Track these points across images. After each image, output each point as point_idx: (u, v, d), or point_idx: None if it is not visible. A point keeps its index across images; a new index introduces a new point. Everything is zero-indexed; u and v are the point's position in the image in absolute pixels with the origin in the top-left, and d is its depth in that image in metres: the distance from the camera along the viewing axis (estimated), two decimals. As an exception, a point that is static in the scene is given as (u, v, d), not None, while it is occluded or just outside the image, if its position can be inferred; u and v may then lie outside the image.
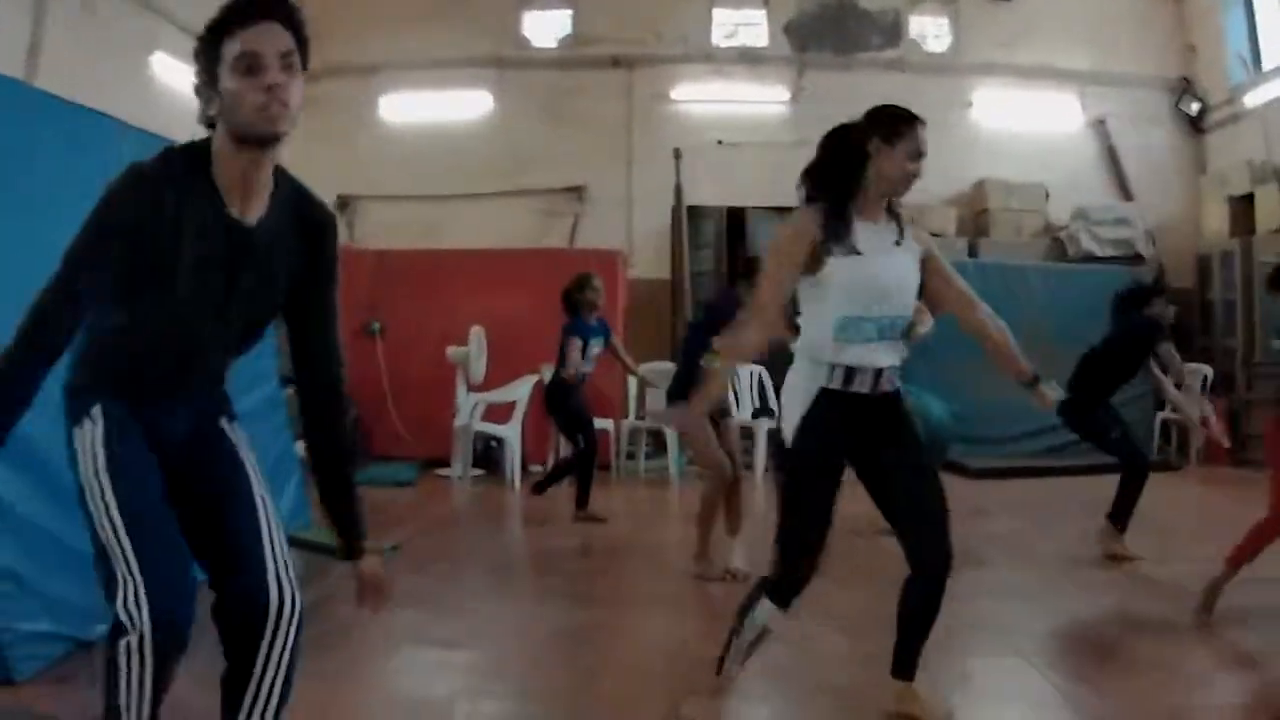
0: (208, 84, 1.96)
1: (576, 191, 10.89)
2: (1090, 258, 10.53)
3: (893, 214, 2.97)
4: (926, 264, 2.98)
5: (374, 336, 9.50)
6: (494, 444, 8.89)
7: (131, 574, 1.82)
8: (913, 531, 2.91)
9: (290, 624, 1.99)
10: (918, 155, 2.96)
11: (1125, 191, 11.43)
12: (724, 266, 10.33)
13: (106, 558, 1.86)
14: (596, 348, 6.79)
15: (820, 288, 2.85)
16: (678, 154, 10.24)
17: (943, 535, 2.87)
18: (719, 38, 11.47)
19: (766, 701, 3.31)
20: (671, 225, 10.38)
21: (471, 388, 8.63)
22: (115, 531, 1.86)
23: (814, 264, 2.85)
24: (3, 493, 3.28)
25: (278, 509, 2.22)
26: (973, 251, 10.60)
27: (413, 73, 11.25)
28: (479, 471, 8.82)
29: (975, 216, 11.02)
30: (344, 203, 10.97)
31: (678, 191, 10.18)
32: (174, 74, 9.49)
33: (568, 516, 6.78)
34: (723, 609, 3.42)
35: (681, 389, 4.96)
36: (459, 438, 8.54)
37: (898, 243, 2.92)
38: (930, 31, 11.68)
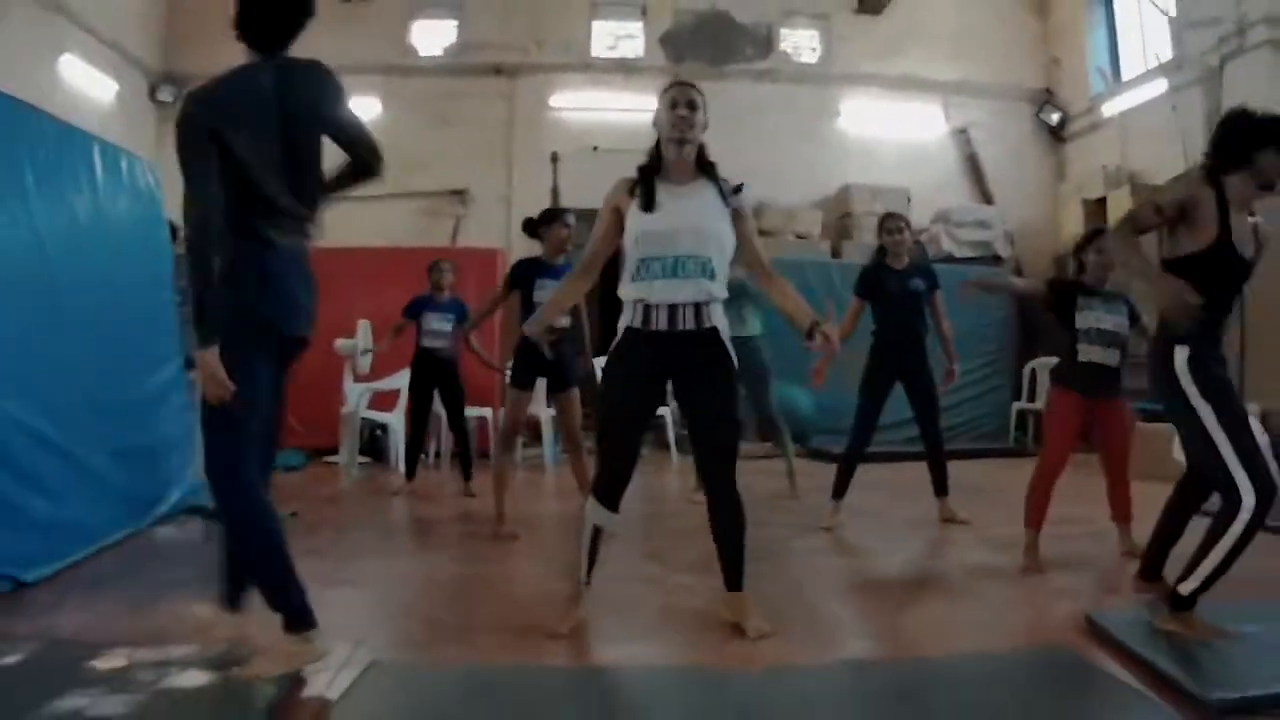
0: None
1: (459, 194, 11.30)
2: (950, 258, 11.05)
3: (709, 176, 3.45)
4: (735, 222, 3.43)
5: None
6: (379, 433, 9.26)
7: None
8: (705, 466, 3.50)
9: None
10: (673, 105, 3.39)
11: (986, 196, 12.03)
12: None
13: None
14: (441, 324, 7.40)
15: (627, 242, 3.38)
16: (555, 158, 10.69)
17: (728, 472, 3.41)
18: (599, 48, 11.95)
19: (624, 622, 3.68)
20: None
21: (358, 378, 9.00)
22: None
23: (621, 223, 3.40)
24: None
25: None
26: (835, 253, 11.07)
27: None
28: (365, 459, 9.19)
29: (840, 220, 11.50)
30: None
31: (554, 193, 10.61)
32: (81, 75, 9.87)
33: (449, 495, 7.21)
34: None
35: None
36: (345, 424, 8.88)
37: (723, 200, 3.41)
38: (802, 44, 12.19)
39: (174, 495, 5.72)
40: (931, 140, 12.16)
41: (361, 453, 9.12)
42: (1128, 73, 11.47)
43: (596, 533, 3.50)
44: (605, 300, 9.59)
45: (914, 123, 12.13)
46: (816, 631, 3.54)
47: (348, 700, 2.60)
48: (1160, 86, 10.52)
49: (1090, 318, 4.73)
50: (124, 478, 5.16)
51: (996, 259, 11.41)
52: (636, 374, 3.38)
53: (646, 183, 3.38)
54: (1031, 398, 10.74)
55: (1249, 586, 3.51)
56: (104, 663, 2.71)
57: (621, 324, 3.45)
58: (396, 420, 8.81)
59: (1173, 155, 9.90)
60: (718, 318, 3.41)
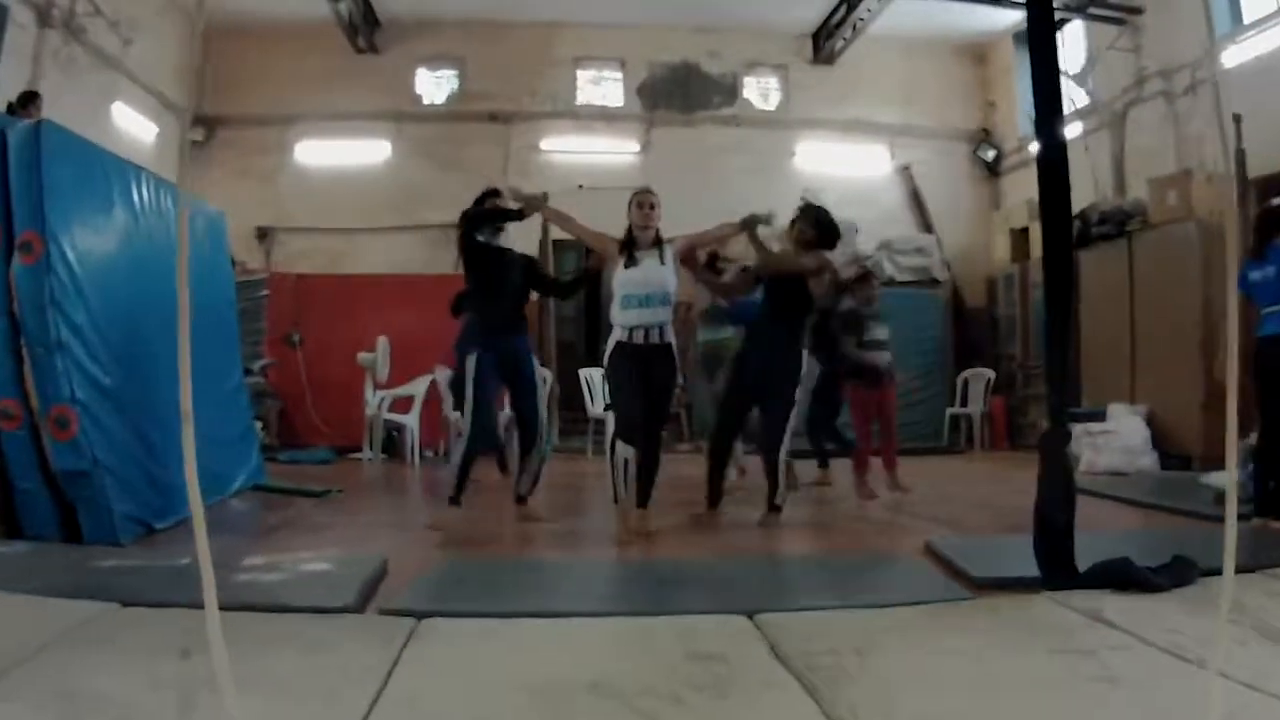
0: None
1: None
2: (891, 282, 12.40)
3: (660, 245, 5.51)
4: (679, 256, 5.57)
5: (294, 347, 11.35)
6: (395, 433, 10.67)
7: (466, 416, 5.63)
8: (648, 426, 5.42)
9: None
10: (639, 206, 5.54)
11: (927, 226, 13.51)
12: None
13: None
14: None
15: (615, 283, 5.43)
16: (545, 197, 12.07)
17: (656, 440, 5.49)
18: (583, 98, 13.38)
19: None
20: (539, 255, 12.17)
21: (378, 386, 10.44)
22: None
23: (613, 265, 5.47)
24: (99, 413, 5.05)
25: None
26: None
27: (324, 123, 12.96)
28: (384, 456, 10.60)
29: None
30: (263, 233, 12.76)
31: (544, 228, 11.96)
32: (129, 120, 11.27)
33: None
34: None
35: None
36: (369, 426, 10.32)
37: (660, 260, 5.46)
38: (763, 91, 13.66)
39: (241, 476, 7.13)
40: (878, 177, 13.63)
41: (381, 451, 10.54)
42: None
43: (628, 463, 5.27)
44: (590, 317, 11.09)
45: (862, 162, 13.58)
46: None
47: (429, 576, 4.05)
48: (1077, 129, 12.03)
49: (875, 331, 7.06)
50: (211, 460, 6.57)
51: (934, 282, 12.88)
52: (628, 366, 5.38)
53: (630, 249, 5.46)
54: (964, 403, 12.23)
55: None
56: (251, 560, 4.16)
57: (613, 340, 5.46)
58: (412, 421, 10.25)
59: (1085, 188, 11.36)
60: (669, 335, 5.45)
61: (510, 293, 5.90)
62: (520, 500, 5.95)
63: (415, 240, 12.67)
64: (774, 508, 5.70)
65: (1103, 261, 10.42)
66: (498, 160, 12.85)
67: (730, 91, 13.51)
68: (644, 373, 5.33)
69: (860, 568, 4.49)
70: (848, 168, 13.50)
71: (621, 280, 5.42)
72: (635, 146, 13.24)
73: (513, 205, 5.94)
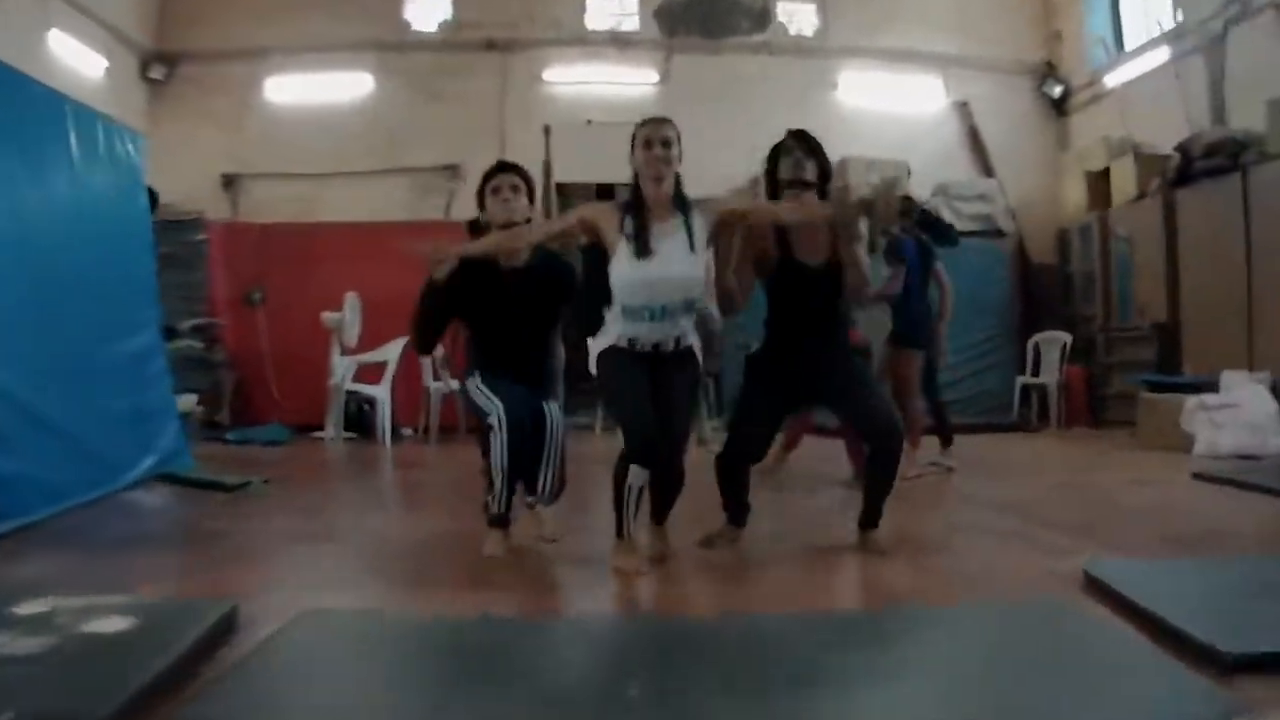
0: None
1: (452, 169, 11.17)
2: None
3: (682, 209, 3.50)
4: (717, 228, 3.54)
5: (255, 306, 9.92)
6: (366, 407, 9.16)
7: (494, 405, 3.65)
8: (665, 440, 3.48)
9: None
10: (647, 144, 3.45)
11: (987, 169, 11.86)
12: (589, 236, 10.67)
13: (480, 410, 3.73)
14: None
15: (615, 284, 3.47)
16: (547, 131, 10.56)
17: (679, 451, 3.57)
18: (592, 22, 11.82)
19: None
20: (542, 197, 10.67)
21: (345, 351, 8.92)
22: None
23: (610, 247, 3.51)
24: None
25: None
26: None
27: (298, 56, 11.51)
28: (352, 435, 9.09)
29: (836, 192, 11.24)
30: (229, 181, 11.34)
31: (546, 168, 10.47)
32: (69, 51, 9.76)
33: (434, 465, 7.16)
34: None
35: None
36: (332, 397, 8.78)
37: (689, 242, 3.44)
38: (799, 16, 12.05)
39: (149, 461, 5.62)
40: (931, 114, 12.00)
41: (347, 427, 9.03)
42: (1130, 43, 11.28)
43: (641, 489, 3.46)
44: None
45: (913, 96, 11.97)
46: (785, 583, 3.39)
47: (271, 644, 2.45)
48: (1162, 55, 10.33)
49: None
50: (100, 439, 5.08)
51: (999, 233, 11.26)
52: (630, 370, 3.48)
53: (639, 223, 3.43)
54: (1035, 371, 10.60)
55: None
56: (26, 609, 2.58)
57: (604, 340, 3.55)
58: (383, 393, 8.72)
59: (1176, 123, 9.74)
60: (691, 337, 3.56)
61: (530, 327, 3.96)
62: (532, 505, 4.03)
63: (399, 185, 11.21)
64: (872, 521, 3.81)
65: (1209, 201, 8.77)
66: (494, 94, 11.43)
67: (761, 15, 11.87)
68: (655, 375, 3.50)
69: (1004, 637, 2.55)
70: (896, 103, 11.88)
71: (625, 280, 3.43)
72: (653, 77, 11.67)
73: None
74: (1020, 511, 4.67)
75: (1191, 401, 7.50)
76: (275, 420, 9.35)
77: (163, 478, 5.56)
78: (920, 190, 11.24)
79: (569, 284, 3.99)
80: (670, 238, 3.41)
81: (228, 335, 9.83)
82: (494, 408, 3.64)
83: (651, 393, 3.43)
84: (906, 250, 6.05)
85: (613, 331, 3.50)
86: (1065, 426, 10.17)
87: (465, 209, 11.09)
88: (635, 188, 3.48)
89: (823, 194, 3.75)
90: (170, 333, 7.55)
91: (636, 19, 11.83)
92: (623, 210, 3.47)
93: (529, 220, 3.94)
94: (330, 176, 11.18)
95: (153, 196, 6.71)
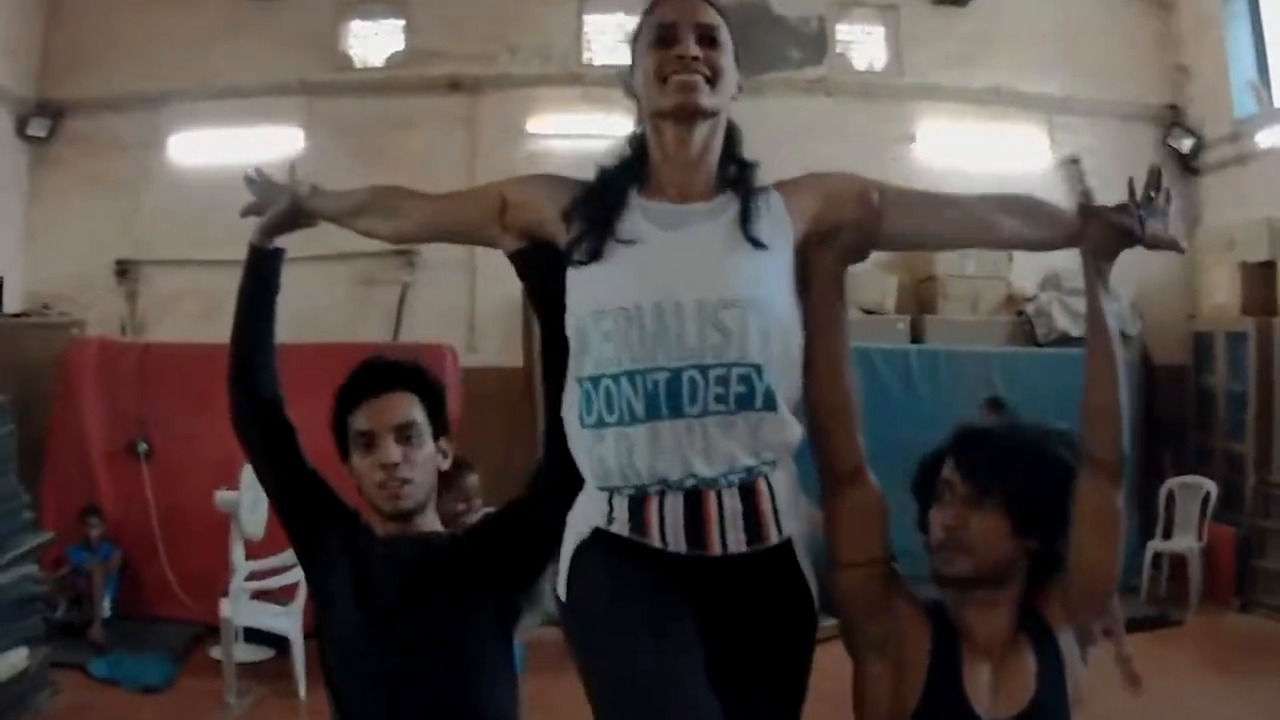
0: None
1: (405, 254, 8.74)
2: (1065, 339, 8.41)
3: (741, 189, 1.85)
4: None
5: (141, 460, 7.49)
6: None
7: None
8: None
9: None
10: (663, 38, 1.80)
11: None
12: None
13: None
14: None
15: (575, 320, 1.78)
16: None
17: None
18: (591, 54, 9.57)
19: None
20: (523, 296, 8.11)
21: (248, 549, 6.29)
22: None
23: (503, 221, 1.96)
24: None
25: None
26: (916, 334, 8.56)
27: (208, 103, 9.26)
28: (266, 654, 6.42)
29: (919, 286, 8.96)
30: (123, 269, 9.09)
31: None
32: None
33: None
34: None
35: None
36: (223, 634, 6.06)
37: (745, 227, 1.77)
38: (860, 46, 9.86)
39: None
40: (1032, 173, 9.51)
41: (260, 640, 6.39)
42: (1281, 93, 8.89)
43: None
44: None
45: (1008, 150, 9.61)
46: None
47: None
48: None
49: None
50: None
51: (1122, 336, 8.73)
52: (633, 591, 1.82)
53: (608, 197, 1.82)
54: (1169, 532, 8.10)
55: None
56: None
57: (579, 522, 1.81)
58: (293, 624, 5.98)
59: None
60: (786, 500, 1.75)
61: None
62: None
63: (334, 276, 8.76)
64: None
65: None
66: (460, 148, 9.05)
67: (816, 44, 9.55)
68: (704, 617, 1.67)
69: None
70: (988, 159, 9.46)
71: (587, 295, 1.74)
72: None
73: None
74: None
75: None
76: (174, 618, 7.05)
77: None
78: (1023, 284, 8.98)
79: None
80: (705, 217, 1.80)
81: (105, 499, 7.32)
82: None
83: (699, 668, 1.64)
84: None
85: (583, 478, 1.78)
86: (1204, 604, 7.75)
87: (423, 308, 8.73)
88: (638, 139, 1.89)
89: None
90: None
91: (649, 50, 9.32)
92: (584, 188, 1.86)
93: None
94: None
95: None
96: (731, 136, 1.89)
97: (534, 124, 9.23)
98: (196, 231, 8.88)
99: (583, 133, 9.08)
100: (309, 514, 2.13)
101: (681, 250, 1.72)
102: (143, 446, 7.44)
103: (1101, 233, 1.89)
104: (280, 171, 2.34)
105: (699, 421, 1.62)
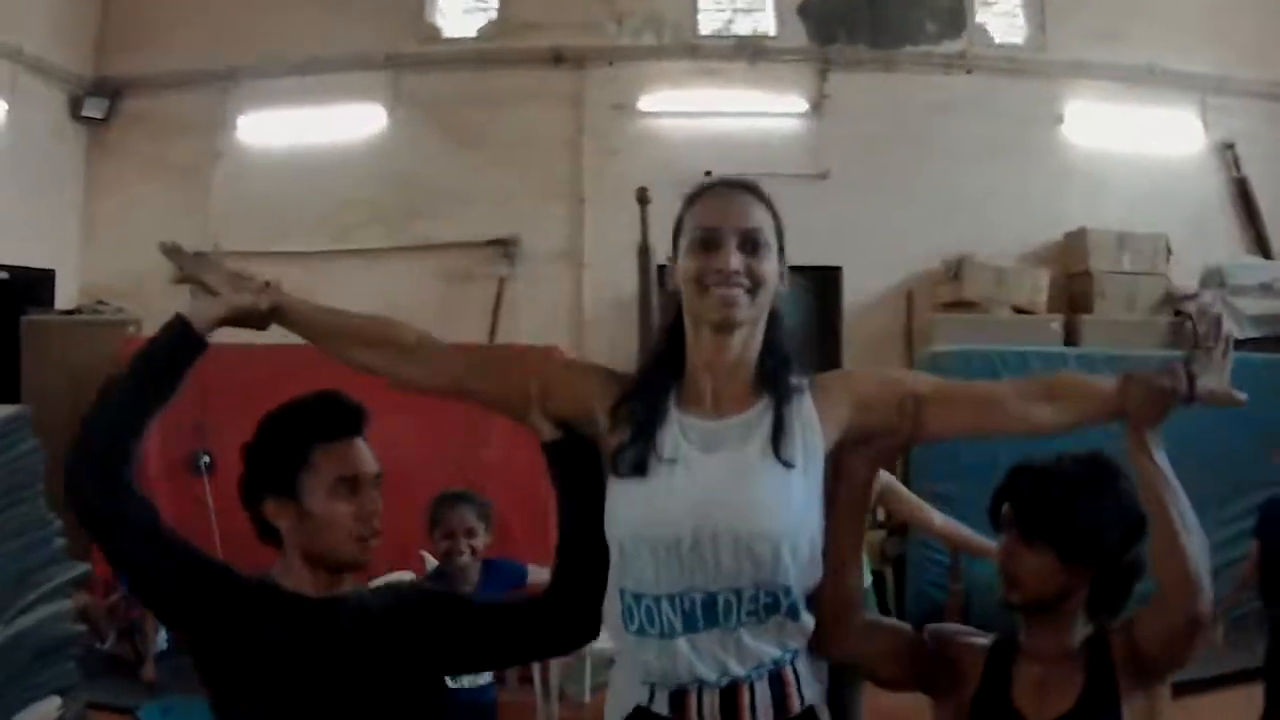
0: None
1: (503, 245, 8.21)
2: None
3: (771, 388, 1.94)
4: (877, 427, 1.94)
5: (202, 474, 6.91)
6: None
7: None
8: None
9: None
10: (706, 243, 1.85)
11: (1263, 245, 8.81)
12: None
13: None
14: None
15: (616, 532, 1.88)
16: (642, 197, 7.26)
17: None
18: (708, 24, 8.86)
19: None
20: (639, 294, 7.48)
21: None
22: None
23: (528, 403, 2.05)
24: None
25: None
26: (1070, 335, 7.83)
27: (281, 80, 8.76)
28: None
29: (1070, 282, 8.24)
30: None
31: (643, 250, 7.24)
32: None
33: None
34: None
35: None
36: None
37: (777, 451, 1.87)
38: (996, 21, 9.16)
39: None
40: (1184, 160, 8.93)
41: None
42: None
43: None
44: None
45: (1159, 133, 8.92)
46: None
47: None
48: None
49: None
50: None
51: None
52: None
53: (650, 404, 1.87)
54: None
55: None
56: None
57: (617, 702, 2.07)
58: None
59: None
60: (811, 682, 1.96)
61: None
62: None
63: (423, 270, 8.29)
64: None
65: None
66: (564, 131, 8.52)
67: (953, 15, 8.89)
68: None
69: None
70: (1138, 144, 8.81)
71: (625, 519, 1.82)
72: (800, 104, 8.75)
73: None
74: None
75: None
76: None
77: None
78: (1184, 279, 8.29)
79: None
80: (740, 438, 1.86)
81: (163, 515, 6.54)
82: None
83: None
84: None
85: (624, 676, 1.97)
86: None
87: (524, 306, 8.05)
88: (673, 331, 1.92)
89: None
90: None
91: (772, 18, 8.85)
92: (632, 383, 1.91)
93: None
94: (321, 257, 8.26)
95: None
96: (774, 323, 1.93)
97: (645, 101, 8.65)
98: (267, 221, 8.45)
99: (696, 110, 8.58)
100: (200, 598, 1.89)
101: (717, 478, 1.81)
102: (204, 459, 6.88)
103: (1144, 399, 1.84)
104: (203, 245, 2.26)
105: (733, 632, 1.81)
